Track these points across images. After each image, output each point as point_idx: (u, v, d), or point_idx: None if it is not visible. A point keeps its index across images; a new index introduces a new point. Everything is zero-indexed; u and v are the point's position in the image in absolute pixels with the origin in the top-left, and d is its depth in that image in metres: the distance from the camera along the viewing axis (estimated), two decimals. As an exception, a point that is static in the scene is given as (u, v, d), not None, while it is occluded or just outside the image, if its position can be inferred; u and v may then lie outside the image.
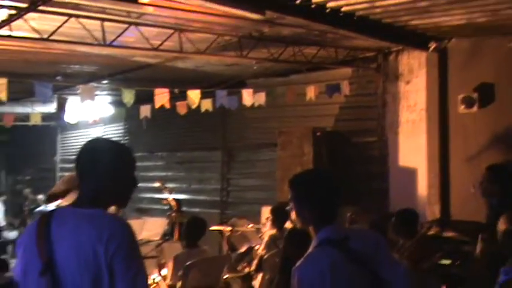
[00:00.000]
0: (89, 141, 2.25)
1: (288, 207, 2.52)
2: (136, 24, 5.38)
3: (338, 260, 2.31)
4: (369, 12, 5.34)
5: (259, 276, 5.38)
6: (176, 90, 6.97)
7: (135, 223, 6.96)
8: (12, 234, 12.56)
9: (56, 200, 5.79)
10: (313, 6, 5.02)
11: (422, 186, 6.69)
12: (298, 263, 2.35)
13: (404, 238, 4.57)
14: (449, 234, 5.36)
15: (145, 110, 7.74)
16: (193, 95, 6.93)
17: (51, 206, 5.80)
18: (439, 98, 6.53)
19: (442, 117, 6.51)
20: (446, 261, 4.87)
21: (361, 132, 7.42)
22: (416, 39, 6.34)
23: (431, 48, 6.50)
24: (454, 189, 6.45)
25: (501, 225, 3.78)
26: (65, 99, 7.39)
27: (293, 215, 2.47)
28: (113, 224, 2.03)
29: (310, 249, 2.41)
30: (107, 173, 2.11)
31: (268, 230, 5.98)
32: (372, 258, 2.38)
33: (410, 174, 6.84)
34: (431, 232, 5.01)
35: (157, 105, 6.81)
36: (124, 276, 1.97)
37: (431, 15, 5.42)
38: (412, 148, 6.85)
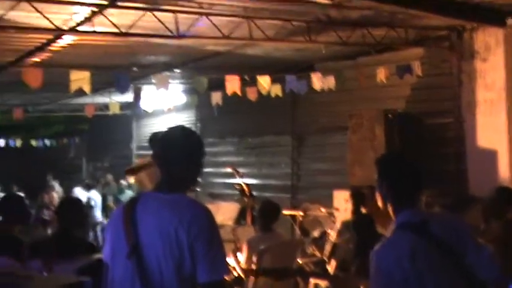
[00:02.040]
0: (166, 130, 2.35)
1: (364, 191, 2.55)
2: (207, 14, 5.51)
3: (418, 245, 2.29)
4: (442, -11, 5.18)
5: (333, 262, 5.41)
6: (246, 77, 7.08)
7: (209, 208, 7.21)
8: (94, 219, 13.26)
9: (133, 174, 6.13)
10: (383, -13, 4.94)
11: (504, 167, 6.43)
12: (376, 247, 2.36)
13: (495, 218, 4.48)
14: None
15: (216, 97, 7.93)
16: (264, 81, 7.02)
17: (131, 179, 6.11)
18: (519, 76, 6.24)
19: (522, 95, 6.22)
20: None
21: (436, 113, 7.22)
22: (492, 15, 6.07)
23: (508, 25, 6.19)
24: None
25: None
26: (141, 89, 7.71)
27: (377, 195, 2.49)
28: (193, 207, 2.14)
29: (388, 232, 2.43)
30: (183, 160, 2.22)
31: (340, 216, 5.99)
32: (453, 242, 2.35)
33: (490, 155, 6.59)
34: (512, 216, 4.82)
35: (229, 91, 6.95)
36: (205, 257, 2.05)
37: (509, -11, 5.18)
38: (491, 128, 6.59)
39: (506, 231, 4.57)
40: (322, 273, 4.18)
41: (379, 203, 2.50)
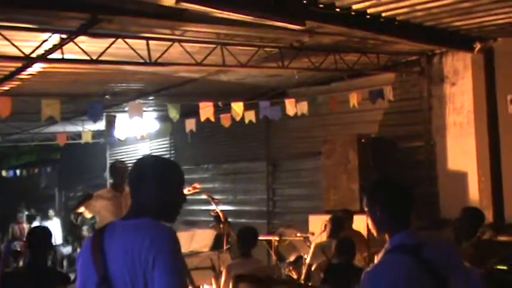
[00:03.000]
0: (139, 158, 2.36)
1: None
2: (180, 41, 5.53)
3: (412, 268, 2.29)
4: (410, 16, 5.30)
5: (308, 285, 5.37)
6: (220, 103, 7.09)
7: (184, 235, 7.08)
8: (66, 250, 13.00)
9: (75, 209, 6.13)
10: (353, 13, 5.04)
11: (474, 190, 6.53)
12: (370, 268, 2.36)
13: (466, 239, 4.53)
14: (504, 238, 5.23)
15: (190, 124, 7.90)
16: (237, 107, 7.03)
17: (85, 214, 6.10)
18: (487, 99, 6.40)
19: (490, 118, 6.37)
20: (503, 267, 4.74)
21: (408, 137, 7.32)
22: (460, 40, 6.24)
23: (476, 49, 6.37)
24: (507, 192, 6.28)
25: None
26: (114, 117, 7.62)
27: (368, 220, 2.49)
28: (155, 229, 2.11)
29: (382, 254, 2.41)
30: (152, 188, 2.21)
31: (315, 239, 5.97)
32: (445, 266, 2.35)
33: (460, 178, 6.70)
34: (485, 237, 4.89)
35: (202, 118, 6.94)
36: (162, 276, 2.01)
37: (475, 16, 5.33)
38: (461, 151, 6.71)
39: (479, 251, 4.61)
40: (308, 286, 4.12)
41: (371, 227, 2.49)
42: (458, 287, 2.36)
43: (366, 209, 2.51)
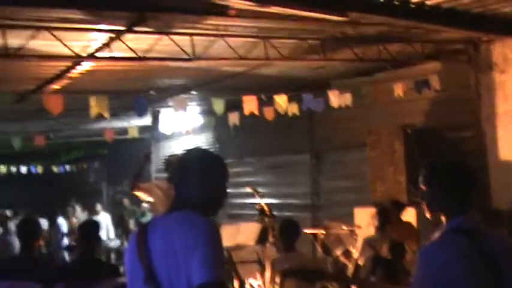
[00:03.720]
0: (184, 152, 2.37)
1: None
2: (223, 35, 5.57)
3: (468, 251, 2.24)
4: (456, 3, 5.16)
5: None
6: (263, 96, 7.11)
7: (230, 228, 7.16)
8: (114, 243, 13.35)
9: (134, 188, 6.18)
10: (396, 2, 4.95)
11: (526, 179, 6.33)
12: (426, 245, 2.32)
13: None
14: None
15: (234, 118, 7.96)
16: (281, 100, 7.04)
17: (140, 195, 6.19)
18: (539, 86, 6.16)
19: (543, 106, 6.13)
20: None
21: (455, 127, 7.14)
22: (509, 26, 6.02)
23: (526, 35, 6.15)
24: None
25: None
26: (159, 112, 7.78)
27: (423, 203, 2.42)
28: (197, 222, 2.13)
29: (438, 234, 2.36)
30: (196, 181, 2.23)
31: (361, 234, 5.92)
32: (501, 258, 2.28)
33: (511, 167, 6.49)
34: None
35: (246, 111, 6.98)
36: (201, 260, 2.03)
37: (525, 0, 5.14)
38: (512, 140, 6.50)
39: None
40: (357, 279, 4.08)
41: (425, 208, 2.43)
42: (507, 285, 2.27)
43: (423, 187, 2.41)
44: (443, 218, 2.37)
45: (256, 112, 6.98)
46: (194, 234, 2.08)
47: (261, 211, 7.60)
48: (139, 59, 5.42)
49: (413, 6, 5.07)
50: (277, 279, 4.59)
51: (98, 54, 5.54)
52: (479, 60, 6.85)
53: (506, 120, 6.58)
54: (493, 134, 6.72)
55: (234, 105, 7.60)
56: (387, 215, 5.51)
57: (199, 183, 2.25)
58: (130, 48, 5.28)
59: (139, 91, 8.30)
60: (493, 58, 6.70)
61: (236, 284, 6.08)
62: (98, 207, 13.67)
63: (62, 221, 13.03)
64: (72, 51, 5.14)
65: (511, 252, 2.36)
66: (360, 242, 5.68)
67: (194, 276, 2.03)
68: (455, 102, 7.20)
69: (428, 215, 2.42)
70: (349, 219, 7.17)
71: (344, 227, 6.49)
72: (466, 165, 2.45)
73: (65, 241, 12.44)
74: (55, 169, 16.14)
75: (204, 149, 2.47)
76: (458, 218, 2.34)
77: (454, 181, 2.38)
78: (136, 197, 6.35)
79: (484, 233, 2.34)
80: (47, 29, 4.80)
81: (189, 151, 2.40)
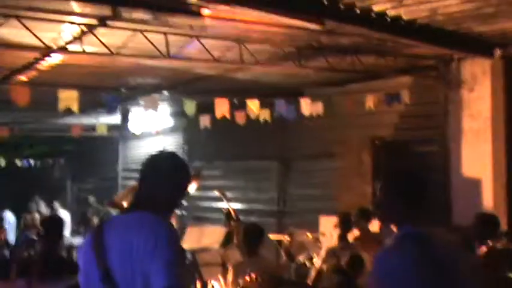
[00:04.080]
0: (153, 153, 2.39)
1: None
2: (198, 36, 5.54)
3: (420, 257, 2.31)
4: (431, 19, 5.26)
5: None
6: (236, 100, 7.09)
7: (195, 231, 7.12)
8: (77, 240, 13.09)
9: (113, 206, 6.09)
10: (373, 15, 5.01)
11: (488, 197, 6.47)
12: (378, 254, 2.39)
13: (478, 245, 4.53)
14: (518, 247, 5.17)
15: (205, 120, 7.92)
16: (253, 105, 7.03)
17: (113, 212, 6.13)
18: (505, 106, 6.33)
19: (508, 125, 6.30)
20: (516, 276, 4.70)
21: (422, 141, 7.27)
22: (481, 46, 6.18)
23: (496, 55, 6.31)
24: (522, 201, 6.22)
25: None
26: (128, 110, 7.67)
27: (380, 210, 2.52)
28: (155, 224, 2.13)
29: (390, 242, 2.43)
30: (162, 183, 2.25)
31: (325, 242, 5.96)
32: (450, 264, 2.37)
33: (474, 184, 6.63)
34: (499, 245, 4.85)
35: (218, 114, 6.95)
36: (161, 265, 2.02)
37: (497, 21, 5.28)
38: (476, 158, 6.64)
39: (492, 259, 4.58)
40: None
41: (379, 217, 2.52)
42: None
43: (378, 197, 2.53)
44: (395, 227, 2.45)
45: (228, 116, 6.96)
46: (154, 237, 2.06)
47: (227, 215, 7.58)
48: (111, 54, 5.34)
49: (389, 19, 5.14)
50: (240, 282, 4.57)
51: (69, 47, 5.43)
52: (449, 77, 7.00)
53: (471, 137, 6.73)
54: (458, 150, 6.87)
55: (206, 108, 7.55)
56: (349, 224, 5.56)
57: (164, 185, 2.25)
58: (102, 43, 5.19)
59: (110, 88, 8.17)
60: (462, 76, 6.85)
61: (199, 285, 6.04)
62: (56, 205, 13.39)
63: (24, 216, 12.74)
64: (42, 42, 5.02)
65: (460, 259, 2.46)
66: (323, 250, 5.71)
67: (156, 281, 2.01)
68: (423, 117, 7.33)
69: (379, 222, 2.52)
70: (314, 226, 7.21)
71: (309, 234, 6.51)
72: (418, 176, 2.55)
73: (26, 236, 12.11)
74: (18, 163, 15.74)
75: (172, 152, 2.49)
76: (410, 225, 2.42)
77: (407, 191, 2.47)
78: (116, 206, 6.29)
79: (435, 240, 2.40)
80: (16, 17, 4.67)
81: (158, 153, 2.42)
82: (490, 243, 4.72)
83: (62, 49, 5.35)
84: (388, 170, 2.53)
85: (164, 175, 2.26)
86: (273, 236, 6.95)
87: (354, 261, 4.84)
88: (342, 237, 5.53)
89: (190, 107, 6.85)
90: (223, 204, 8.14)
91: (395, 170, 2.69)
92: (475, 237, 5.07)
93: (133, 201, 2.28)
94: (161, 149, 2.52)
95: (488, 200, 6.48)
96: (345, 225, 5.56)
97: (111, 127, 11.67)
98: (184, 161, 2.43)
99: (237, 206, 9.39)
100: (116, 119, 9.88)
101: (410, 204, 2.45)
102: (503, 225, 6.23)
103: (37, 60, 6.42)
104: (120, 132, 13.19)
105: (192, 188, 6.39)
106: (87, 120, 10.97)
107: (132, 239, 2.08)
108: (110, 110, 6.31)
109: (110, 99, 6.29)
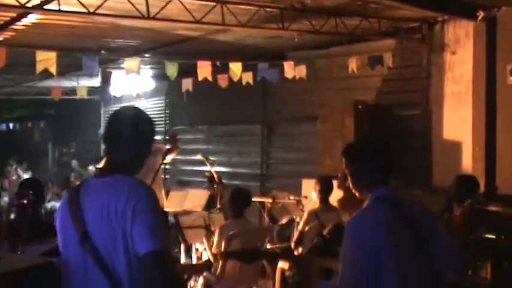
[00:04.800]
0: (113, 113, 2.30)
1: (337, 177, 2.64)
2: (179, -4, 5.41)
3: (393, 219, 2.38)
4: (415, -19, 5.21)
5: (299, 249, 5.44)
6: (218, 63, 7.00)
7: (178, 194, 7.14)
8: (59, 204, 13.07)
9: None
10: (357, -25, 4.94)
11: (467, 159, 6.56)
12: (352, 218, 2.45)
13: (459, 205, 4.64)
14: (494, 208, 5.29)
15: (187, 83, 7.83)
16: (235, 68, 6.96)
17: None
18: (487, 69, 6.33)
19: (489, 88, 6.33)
20: (491, 235, 4.82)
21: (405, 105, 7.29)
22: (464, 8, 6.15)
23: (479, 18, 6.27)
24: (500, 163, 6.31)
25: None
26: (110, 73, 7.54)
27: (349, 177, 2.55)
28: (131, 185, 2.09)
29: (364, 206, 2.48)
30: (129, 143, 2.19)
31: (308, 205, 6.01)
32: (421, 224, 2.42)
33: (454, 147, 6.71)
34: (476, 206, 4.95)
35: (200, 77, 6.87)
36: (144, 229, 1.99)
37: (481, -17, 5.24)
38: (457, 121, 6.70)
39: (469, 219, 4.68)
40: (287, 255, 4.21)
41: (351, 186, 2.56)
42: (434, 250, 2.42)
43: (347, 168, 2.57)
44: (367, 192, 2.50)
45: (210, 78, 6.88)
46: (134, 200, 2.02)
47: (210, 178, 7.60)
48: (89, 14, 5.19)
49: (373, -20, 5.08)
50: (223, 243, 4.62)
51: (45, 7, 5.26)
52: (432, 40, 6.98)
53: (453, 101, 6.77)
54: (440, 113, 6.91)
55: (188, 70, 7.46)
56: (330, 186, 5.61)
57: (133, 145, 2.19)
58: (79, 2, 5.04)
59: (89, 50, 8.00)
60: (446, 39, 6.84)
61: (183, 248, 6.10)
62: (20, 166, 13.19)
63: (1, 180, 12.63)
64: (17, 1, 4.85)
65: (430, 219, 2.54)
66: (306, 213, 5.77)
67: (140, 246, 1.99)
68: (406, 81, 7.34)
69: (352, 187, 2.56)
70: (297, 190, 7.26)
71: (291, 197, 6.56)
72: (386, 142, 2.69)
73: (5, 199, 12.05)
74: (-3, 126, 15.52)
75: (136, 108, 2.38)
76: (382, 188, 2.49)
77: (378, 155, 2.54)
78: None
79: (407, 202, 2.47)
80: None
81: (121, 111, 2.32)
82: (468, 204, 4.81)
83: (38, 8, 5.18)
84: (371, 134, 2.59)
85: (132, 133, 2.19)
86: (256, 199, 6.99)
87: (337, 230, 4.89)
88: (324, 200, 5.58)
89: (171, 69, 6.75)
90: (206, 168, 8.15)
91: (364, 139, 2.78)
92: (454, 199, 5.17)
93: (105, 165, 2.22)
94: (122, 107, 2.39)
95: (467, 162, 6.57)
96: (326, 188, 5.60)
97: (92, 90, 11.53)
98: (148, 115, 2.34)
99: (221, 169, 9.41)
100: (96, 81, 9.72)
101: (383, 169, 2.51)
102: (483, 187, 6.35)
103: (13, 20, 6.24)
104: (102, 95, 13.02)
105: (170, 156, 6.36)
106: (68, 83, 10.81)
107: (110, 202, 2.04)
108: (90, 73, 6.19)
109: (89, 62, 6.16)
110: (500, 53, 6.26)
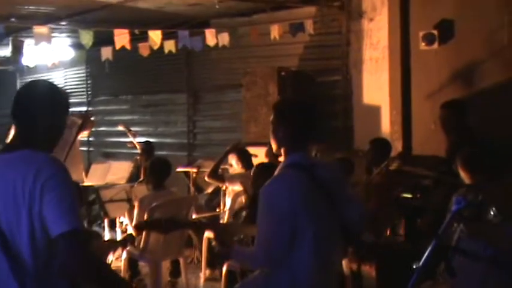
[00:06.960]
0: (22, 86, 2.21)
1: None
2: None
3: (306, 183, 2.43)
4: None
5: (227, 215, 5.50)
6: (136, 31, 6.79)
7: (100, 167, 6.97)
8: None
9: None
10: None
11: (386, 123, 6.82)
12: (266, 184, 2.45)
13: (375, 168, 4.83)
14: (410, 168, 5.57)
15: (106, 52, 7.53)
16: (155, 36, 6.77)
17: None
18: (401, 35, 6.55)
19: (403, 54, 6.56)
20: (408, 195, 5.08)
21: (326, 71, 7.44)
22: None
23: (393, -15, 6.45)
24: (415, 126, 6.61)
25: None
26: (22, 42, 7.11)
27: (271, 139, 2.57)
28: (42, 161, 2.00)
29: (278, 171, 2.52)
30: (40, 115, 2.08)
31: (234, 171, 6.06)
32: (333, 187, 2.50)
33: (373, 111, 6.96)
34: (393, 166, 5.19)
35: (117, 46, 6.64)
36: (55, 208, 1.91)
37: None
38: (376, 86, 6.93)
39: (387, 180, 4.90)
40: (210, 224, 4.22)
41: (274, 147, 2.59)
42: (342, 209, 2.53)
43: (272, 123, 2.58)
44: (283, 152, 2.54)
45: (128, 47, 6.66)
46: (42, 178, 1.92)
47: (144, 150, 7.46)
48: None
49: None
50: (145, 216, 4.57)
51: None
52: (350, 7, 7.11)
53: (371, 66, 6.98)
54: (359, 79, 7.12)
55: (108, 39, 7.17)
56: (246, 155, 5.69)
57: (45, 117, 2.09)
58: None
59: (-2, 17, 7.51)
60: (363, 6, 6.99)
61: (106, 222, 5.99)
62: None
63: None
64: None
65: (339, 178, 2.63)
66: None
67: (51, 225, 1.90)
68: (327, 47, 7.47)
69: (274, 148, 2.59)
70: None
71: (216, 166, 6.56)
72: (309, 105, 2.65)
73: None
74: None
75: (46, 81, 2.29)
76: (297, 153, 2.52)
77: (297, 119, 2.54)
78: None
79: (319, 167, 2.52)
80: None
81: (30, 84, 2.21)
82: (384, 165, 5.03)
83: None
84: (279, 100, 2.59)
85: (43, 106, 2.09)
86: (180, 169, 6.96)
87: (254, 198, 4.97)
88: (246, 167, 5.64)
89: (86, 37, 6.46)
90: (130, 139, 7.98)
91: (287, 100, 2.78)
92: (371, 162, 5.39)
93: (15, 139, 2.12)
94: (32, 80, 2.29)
95: (386, 125, 6.84)
96: (242, 156, 5.67)
97: (5, 60, 10.87)
98: (59, 87, 2.25)
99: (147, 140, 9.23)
100: (7, 51, 9.16)
101: (300, 133, 2.53)
102: (399, 149, 6.65)
103: None
104: (16, 66, 12.32)
105: (84, 132, 6.18)
106: (-23, 53, 10.12)
107: (16, 180, 1.94)
108: (-2, 42, 5.81)
109: (-3, 30, 5.77)
110: (413, 20, 6.48)
